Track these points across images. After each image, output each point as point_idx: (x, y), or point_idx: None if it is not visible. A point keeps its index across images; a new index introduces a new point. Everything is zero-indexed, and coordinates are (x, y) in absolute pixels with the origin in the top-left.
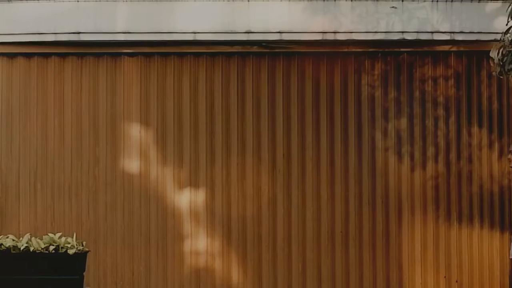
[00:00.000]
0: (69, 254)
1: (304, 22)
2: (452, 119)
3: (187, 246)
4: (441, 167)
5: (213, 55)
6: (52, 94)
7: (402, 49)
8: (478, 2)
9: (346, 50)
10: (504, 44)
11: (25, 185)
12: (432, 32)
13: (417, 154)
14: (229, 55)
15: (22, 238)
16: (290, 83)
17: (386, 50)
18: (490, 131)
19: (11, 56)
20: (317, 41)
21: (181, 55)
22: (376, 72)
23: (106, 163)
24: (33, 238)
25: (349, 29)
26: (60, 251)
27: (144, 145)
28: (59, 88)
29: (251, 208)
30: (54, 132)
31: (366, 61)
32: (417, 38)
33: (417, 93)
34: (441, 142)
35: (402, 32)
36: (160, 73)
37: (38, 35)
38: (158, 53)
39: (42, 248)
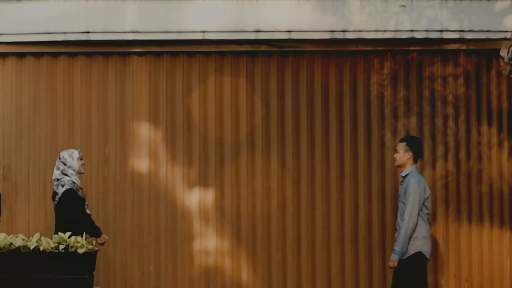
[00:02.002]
0: (79, 253)
1: (313, 21)
2: (462, 118)
3: (197, 245)
4: (450, 166)
5: (222, 54)
6: (61, 94)
7: (411, 48)
8: (488, 0)
9: (355, 49)
10: None
11: (35, 185)
12: (441, 31)
13: (426, 153)
14: (238, 54)
15: (32, 237)
16: (299, 82)
17: (395, 48)
18: (500, 130)
19: (21, 55)
20: (326, 40)
21: (190, 54)
22: (385, 71)
23: (115, 163)
24: (43, 237)
25: (358, 28)
26: (70, 251)
27: (153, 144)
28: (68, 87)
29: (260, 207)
30: (63, 131)
31: (375, 60)
32: (426, 37)
33: (426, 92)
34: (451, 141)
35: (411, 30)
36: (169, 72)
37: (47, 34)
38: (167, 52)
39: (52, 248)
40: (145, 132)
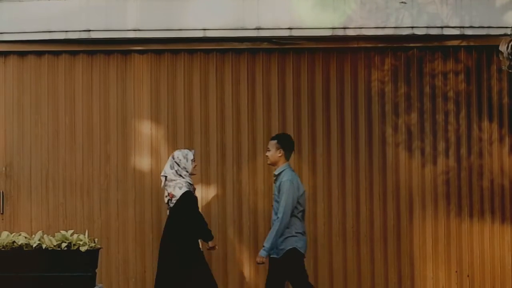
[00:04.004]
0: (81, 251)
1: (314, 18)
2: (463, 114)
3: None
4: (451, 162)
5: (223, 51)
6: (63, 92)
7: (411, 44)
8: None
9: (355, 45)
10: None
11: (37, 183)
12: (441, 27)
13: (427, 149)
14: (239, 51)
15: (35, 235)
16: (300, 79)
17: (395, 45)
18: (501, 126)
19: (22, 54)
20: (327, 37)
21: (191, 52)
22: (386, 68)
23: (117, 160)
24: (45, 235)
25: (358, 25)
26: (72, 248)
27: (155, 142)
28: (70, 85)
29: (262, 204)
30: (65, 129)
31: (376, 57)
32: (427, 33)
33: (427, 88)
34: (452, 137)
35: (412, 27)
36: (170, 70)
37: (48, 33)
38: (168, 50)
39: (54, 245)
40: (146, 130)
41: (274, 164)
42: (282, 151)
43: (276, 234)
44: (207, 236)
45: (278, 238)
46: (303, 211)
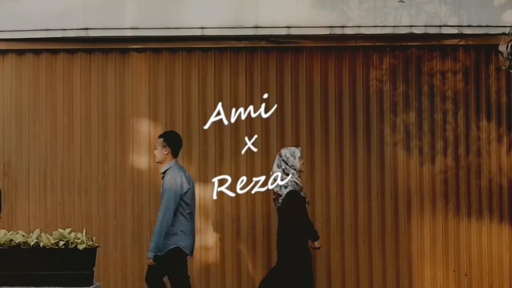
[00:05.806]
0: (79, 249)
1: (312, 16)
2: (461, 113)
3: (196, 241)
4: (450, 161)
5: (221, 50)
6: (61, 90)
7: (410, 43)
8: None
9: (354, 44)
10: None
11: (35, 182)
12: (440, 26)
13: (426, 148)
14: (237, 50)
15: (32, 234)
16: (299, 78)
17: (394, 44)
18: (499, 125)
19: (20, 52)
20: (325, 36)
21: (189, 50)
22: (384, 66)
23: (115, 159)
24: (43, 233)
25: (357, 24)
26: (70, 247)
27: (153, 140)
28: (67, 84)
29: (260, 203)
30: (63, 128)
31: (374, 56)
32: (425, 32)
33: (425, 87)
34: (450, 136)
35: (410, 26)
36: (168, 69)
37: (46, 31)
38: (166, 49)
39: (52, 244)
40: (144, 128)
41: (161, 162)
42: (168, 149)
43: (159, 233)
44: (313, 236)
45: (161, 237)
46: (190, 210)
